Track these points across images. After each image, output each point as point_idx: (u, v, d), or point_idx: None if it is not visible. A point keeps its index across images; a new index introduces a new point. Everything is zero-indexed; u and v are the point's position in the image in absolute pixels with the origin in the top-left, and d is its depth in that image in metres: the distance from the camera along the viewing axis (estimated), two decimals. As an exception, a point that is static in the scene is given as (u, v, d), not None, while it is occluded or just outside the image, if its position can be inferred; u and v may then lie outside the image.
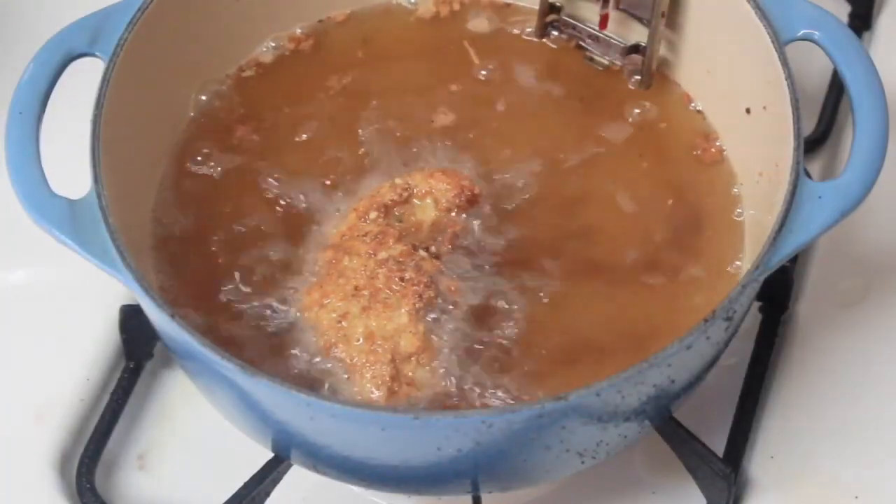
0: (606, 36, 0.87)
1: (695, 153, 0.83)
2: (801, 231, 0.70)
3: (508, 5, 0.91)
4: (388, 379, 0.72)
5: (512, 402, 0.72)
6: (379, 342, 0.72)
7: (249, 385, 0.66)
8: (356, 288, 0.74)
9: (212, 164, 0.83)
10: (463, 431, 0.65)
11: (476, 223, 0.79)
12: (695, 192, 0.82)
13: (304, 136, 0.84)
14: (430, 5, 0.91)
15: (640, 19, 0.85)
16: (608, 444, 0.70)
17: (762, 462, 0.80)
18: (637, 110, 0.85)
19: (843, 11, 1.01)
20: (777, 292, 0.86)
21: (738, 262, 0.79)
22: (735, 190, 0.81)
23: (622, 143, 0.84)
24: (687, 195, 0.81)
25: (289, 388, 0.65)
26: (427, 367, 0.73)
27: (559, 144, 0.84)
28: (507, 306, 0.75)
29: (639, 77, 0.86)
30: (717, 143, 0.83)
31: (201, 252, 0.79)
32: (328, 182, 0.82)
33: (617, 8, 0.86)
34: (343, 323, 0.73)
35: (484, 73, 0.88)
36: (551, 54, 0.89)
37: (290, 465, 0.75)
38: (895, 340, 0.85)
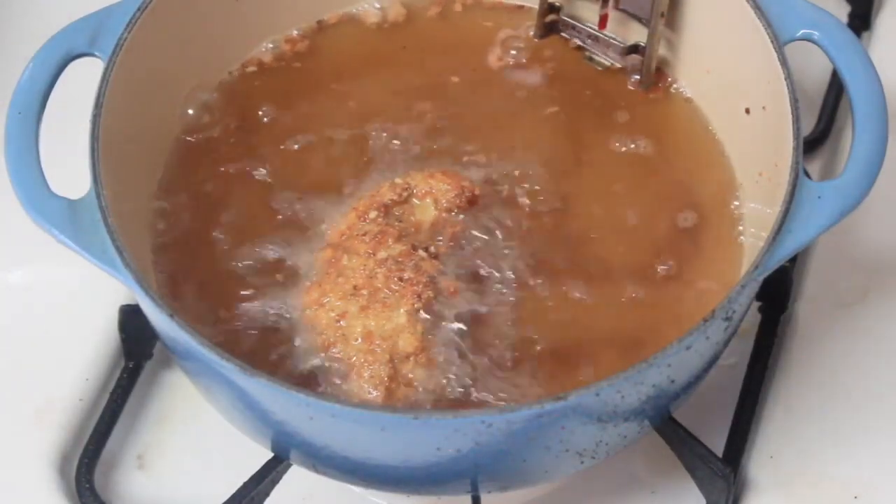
0: (606, 36, 0.87)
1: (651, 97, 0.85)
2: (801, 231, 0.70)
3: (508, 6, 0.91)
4: (386, 379, 0.72)
5: (511, 402, 0.72)
6: (377, 342, 0.72)
7: (248, 385, 0.66)
8: (355, 287, 0.74)
9: (211, 163, 0.83)
10: (462, 431, 0.64)
11: (476, 224, 0.79)
12: (694, 192, 0.81)
13: (304, 136, 0.84)
14: (432, 6, 0.91)
15: (639, 19, 0.85)
16: (608, 444, 0.70)
17: (761, 462, 0.80)
18: (636, 110, 0.85)
19: (842, 11, 1.01)
20: (776, 292, 0.86)
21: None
22: (735, 189, 0.81)
23: (622, 144, 0.84)
24: (687, 196, 0.81)
25: (288, 387, 0.65)
26: (425, 368, 0.73)
27: (559, 145, 0.84)
28: (505, 307, 0.75)
29: (638, 77, 0.86)
30: (668, 79, 0.85)
31: (201, 251, 0.79)
32: (328, 181, 0.82)
33: (616, 8, 0.86)
34: (342, 322, 0.73)
35: (485, 73, 0.88)
36: (551, 54, 0.89)
37: (289, 466, 0.75)
38: (895, 340, 0.85)
